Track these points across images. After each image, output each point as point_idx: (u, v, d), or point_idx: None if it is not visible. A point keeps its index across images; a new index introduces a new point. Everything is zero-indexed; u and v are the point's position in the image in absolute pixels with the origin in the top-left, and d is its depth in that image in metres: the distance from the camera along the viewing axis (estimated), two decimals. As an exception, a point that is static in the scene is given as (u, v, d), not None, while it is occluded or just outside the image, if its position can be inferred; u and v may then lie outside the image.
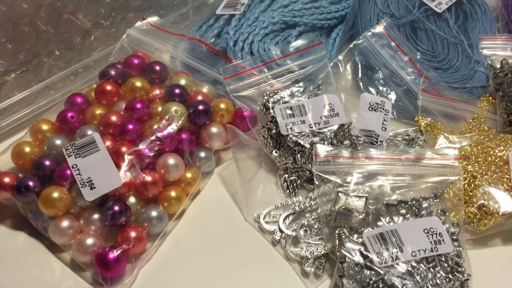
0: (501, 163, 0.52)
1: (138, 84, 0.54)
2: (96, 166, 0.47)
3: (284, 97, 0.56)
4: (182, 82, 0.57)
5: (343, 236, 0.45)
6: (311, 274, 0.47)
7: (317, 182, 0.49)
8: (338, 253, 0.45)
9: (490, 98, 0.61)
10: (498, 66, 0.62)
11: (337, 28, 0.67)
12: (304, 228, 0.48)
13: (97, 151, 0.47)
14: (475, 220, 0.49)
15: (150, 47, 0.61)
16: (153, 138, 0.50)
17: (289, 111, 0.54)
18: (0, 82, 0.56)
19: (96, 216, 0.46)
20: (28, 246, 0.48)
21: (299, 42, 0.60)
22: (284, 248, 0.48)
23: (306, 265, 0.46)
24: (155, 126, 0.51)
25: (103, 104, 0.54)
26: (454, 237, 0.46)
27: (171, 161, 0.50)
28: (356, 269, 0.44)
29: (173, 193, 0.49)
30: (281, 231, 0.49)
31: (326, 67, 0.58)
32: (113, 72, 0.55)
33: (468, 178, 0.51)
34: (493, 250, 0.50)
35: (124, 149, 0.48)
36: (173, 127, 0.51)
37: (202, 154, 0.54)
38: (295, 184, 0.53)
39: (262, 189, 0.54)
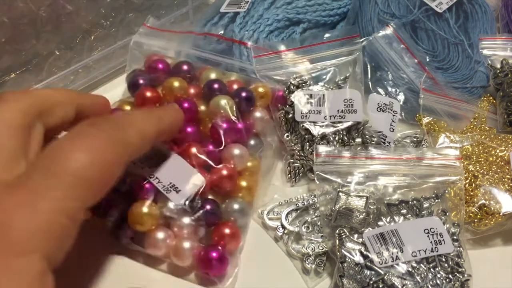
0: (502, 163, 0.51)
1: (176, 84, 0.53)
2: (173, 171, 0.46)
3: (307, 84, 0.56)
4: (213, 76, 0.56)
5: (343, 236, 0.45)
6: (311, 272, 0.47)
7: (317, 182, 0.49)
8: (338, 253, 0.45)
9: (491, 98, 0.61)
10: (498, 66, 0.62)
11: (339, 24, 0.68)
12: (307, 225, 0.48)
13: (168, 157, 0.47)
14: (475, 220, 0.48)
15: (162, 49, 0.61)
16: (214, 133, 0.50)
17: (308, 99, 0.54)
18: (0, 82, 0.56)
19: (186, 220, 0.45)
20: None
21: (334, 31, 0.60)
22: (286, 245, 0.48)
23: (306, 262, 0.46)
24: (213, 121, 0.50)
25: None
26: (455, 237, 0.46)
27: (236, 151, 0.49)
28: (356, 269, 0.43)
29: (244, 183, 0.49)
30: (283, 227, 0.49)
31: (358, 62, 0.59)
32: (142, 81, 0.54)
33: (469, 178, 0.51)
34: (493, 250, 0.50)
35: (192, 149, 0.47)
36: (230, 119, 0.50)
37: (252, 141, 0.53)
38: (298, 171, 0.54)
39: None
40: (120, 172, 0.36)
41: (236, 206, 0.47)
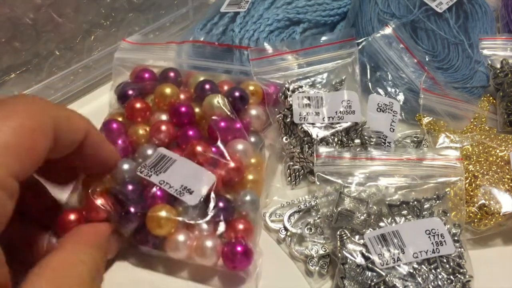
0: (502, 163, 0.52)
1: (168, 90, 0.53)
2: (182, 174, 0.46)
3: (304, 87, 0.56)
4: (202, 78, 0.56)
5: (345, 237, 0.45)
6: (315, 273, 0.47)
7: (318, 183, 0.49)
8: (339, 254, 0.45)
9: (491, 98, 0.61)
10: (498, 66, 0.62)
11: (339, 24, 0.68)
12: (309, 227, 0.49)
13: (174, 161, 0.47)
14: (475, 220, 0.49)
15: (144, 61, 0.61)
16: (212, 132, 0.49)
17: (306, 101, 0.55)
18: (0, 82, 0.56)
19: (205, 219, 0.45)
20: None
21: (331, 35, 0.61)
22: (289, 247, 0.48)
23: (310, 264, 0.46)
24: (210, 120, 0.50)
25: (139, 122, 0.52)
26: (456, 238, 0.46)
27: (239, 146, 0.49)
28: (358, 270, 0.44)
29: (250, 177, 0.49)
30: (286, 229, 0.49)
31: (353, 64, 0.59)
32: (131, 92, 0.54)
33: (470, 178, 0.51)
34: (493, 250, 0.50)
35: (197, 148, 0.47)
36: (226, 117, 0.51)
37: (252, 139, 0.53)
38: (298, 173, 0.54)
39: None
40: (46, 143, 0.34)
41: (247, 198, 0.47)
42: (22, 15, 0.54)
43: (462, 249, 0.45)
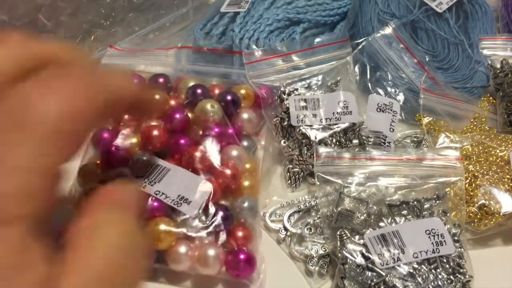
0: (502, 163, 0.52)
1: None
2: (178, 183, 0.45)
3: (299, 89, 0.56)
4: (192, 83, 0.55)
5: (345, 237, 0.45)
6: (315, 273, 0.47)
7: (318, 183, 0.49)
8: (339, 255, 0.45)
9: (491, 98, 0.61)
10: (498, 66, 0.62)
11: (339, 24, 0.67)
12: (309, 227, 0.49)
13: (168, 170, 0.46)
14: (475, 220, 0.49)
15: (135, 67, 0.60)
16: (208, 139, 0.49)
17: (303, 103, 0.54)
18: (0, 82, 0.56)
19: (205, 229, 0.44)
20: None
21: (325, 36, 0.60)
22: (288, 247, 0.48)
23: (310, 264, 0.46)
24: (204, 127, 0.50)
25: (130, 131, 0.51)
26: (456, 238, 0.46)
27: (233, 152, 0.49)
28: (358, 270, 0.44)
29: (246, 183, 0.48)
30: (285, 229, 0.49)
31: (348, 65, 0.59)
32: None
33: (469, 178, 0.51)
34: (493, 250, 0.50)
35: (192, 157, 0.47)
36: (219, 123, 0.50)
37: (245, 143, 0.53)
38: (297, 176, 0.54)
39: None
40: (94, 124, 0.31)
41: (245, 204, 0.47)
42: (22, 15, 0.54)
43: (462, 249, 0.45)
